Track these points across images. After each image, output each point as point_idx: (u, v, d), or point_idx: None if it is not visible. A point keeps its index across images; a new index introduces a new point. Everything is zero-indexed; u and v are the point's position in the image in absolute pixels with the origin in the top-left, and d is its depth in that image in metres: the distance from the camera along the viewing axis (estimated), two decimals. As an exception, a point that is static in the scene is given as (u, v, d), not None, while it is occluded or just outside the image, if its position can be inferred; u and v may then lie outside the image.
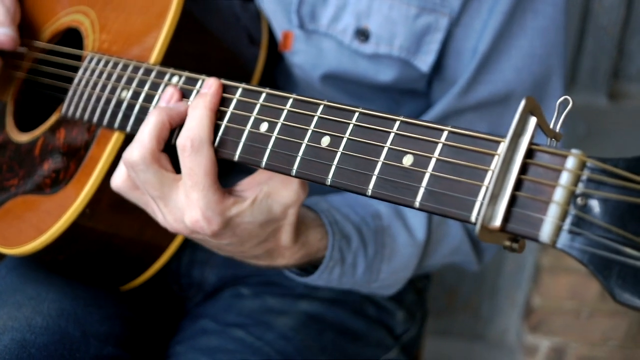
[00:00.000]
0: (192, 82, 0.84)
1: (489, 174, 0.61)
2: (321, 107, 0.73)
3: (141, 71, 0.90)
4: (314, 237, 0.92)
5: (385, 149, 0.67)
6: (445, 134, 0.65)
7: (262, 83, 1.05)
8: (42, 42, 1.15)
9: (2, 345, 0.92)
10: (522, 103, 0.60)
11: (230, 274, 1.18)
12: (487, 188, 0.60)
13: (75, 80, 1.00)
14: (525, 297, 2.20)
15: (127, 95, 0.90)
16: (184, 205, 0.78)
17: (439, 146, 0.64)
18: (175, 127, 0.82)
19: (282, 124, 0.75)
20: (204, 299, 1.19)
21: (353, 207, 1.01)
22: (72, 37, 1.12)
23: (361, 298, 1.18)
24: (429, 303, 1.35)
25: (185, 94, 0.85)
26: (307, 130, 0.73)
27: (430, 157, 0.64)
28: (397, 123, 0.67)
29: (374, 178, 0.67)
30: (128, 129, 0.88)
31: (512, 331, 2.29)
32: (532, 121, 0.61)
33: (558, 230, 0.56)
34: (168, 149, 0.82)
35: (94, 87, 0.96)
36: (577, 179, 0.57)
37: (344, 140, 0.70)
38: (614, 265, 0.54)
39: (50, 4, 1.18)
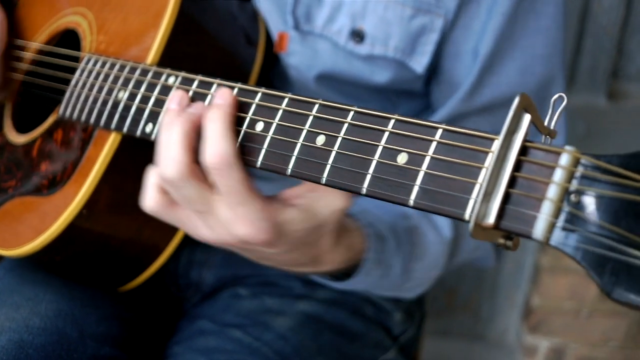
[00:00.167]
0: (188, 82, 0.84)
1: (483, 171, 0.61)
2: (317, 105, 0.73)
3: (138, 72, 0.90)
4: (357, 240, 0.90)
5: (380, 148, 0.67)
6: (439, 132, 0.64)
7: (259, 84, 1.05)
8: (40, 43, 1.15)
9: (0, 346, 0.93)
10: (516, 100, 0.60)
11: (229, 274, 1.18)
12: (481, 186, 0.60)
13: (73, 82, 1.00)
14: (524, 297, 2.20)
15: (123, 96, 0.90)
16: (231, 219, 0.74)
17: (433, 144, 0.64)
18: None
19: (277, 123, 0.75)
20: (201, 299, 1.19)
21: (383, 209, 1.00)
22: (70, 38, 1.13)
23: (359, 299, 1.18)
24: (428, 303, 1.35)
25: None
26: (302, 129, 0.73)
27: (425, 155, 0.64)
28: (392, 121, 0.67)
29: (368, 177, 0.67)
30: (125, 129, 0.89)
31: (511, 331, 2.28)
32: (526, 118, 0.60)
33: (551, 227, 0.56)
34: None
35: (91, 89, 0.96)
36: (570, 176, 0.56)
37: (339, 139, 0.70)
38: (607, 262, 0.54)
39: (47, 5, 1.18)
